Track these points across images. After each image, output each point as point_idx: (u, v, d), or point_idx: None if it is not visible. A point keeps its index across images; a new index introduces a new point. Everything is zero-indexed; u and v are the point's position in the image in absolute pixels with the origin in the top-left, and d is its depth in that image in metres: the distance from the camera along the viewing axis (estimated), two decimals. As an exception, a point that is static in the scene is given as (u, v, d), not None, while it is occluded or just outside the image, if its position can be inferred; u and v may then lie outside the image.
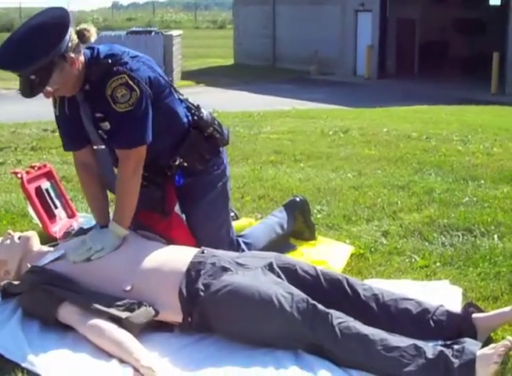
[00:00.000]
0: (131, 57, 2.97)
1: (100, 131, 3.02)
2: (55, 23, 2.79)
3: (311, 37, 25.63)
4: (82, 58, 2.92)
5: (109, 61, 2.91)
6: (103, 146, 3.11)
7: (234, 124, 8.40)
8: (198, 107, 3.30)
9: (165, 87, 3.09)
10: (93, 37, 2.93)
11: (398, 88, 19.85)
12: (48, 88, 2.83)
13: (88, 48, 2.98)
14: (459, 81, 20.85)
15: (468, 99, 15.07)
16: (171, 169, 3.19)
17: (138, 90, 2.88)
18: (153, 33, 23.58)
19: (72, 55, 2.83)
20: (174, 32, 24.86)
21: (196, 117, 3.24)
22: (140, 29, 26.56)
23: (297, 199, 3.79)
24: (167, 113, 3.11)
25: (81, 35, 2.89)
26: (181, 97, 3.27)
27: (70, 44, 2.81)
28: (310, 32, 25.75)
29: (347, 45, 24.66)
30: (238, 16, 31.30)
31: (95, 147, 3.15)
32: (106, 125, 2.97)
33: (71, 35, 2.82)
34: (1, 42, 2.85)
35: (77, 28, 2.89)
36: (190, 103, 3.30)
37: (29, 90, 2.81)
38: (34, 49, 2.73)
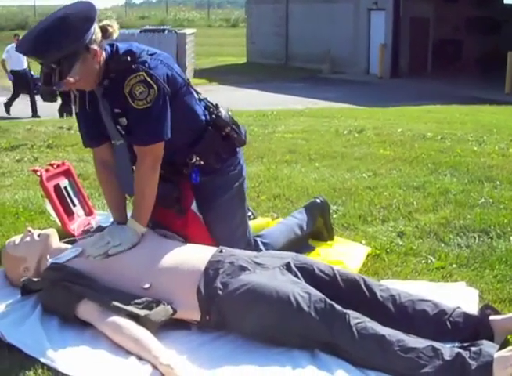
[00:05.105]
0: (149, 55, 3.00)
1: (118, 127, 3.05)
2: (81, 15, 2.84)
3: (324, 35, 25.61)
4: (104, 53, 2.96)
5: (128, 59, 2.94)
6: (122, 141, 3.13)
7: (248, 123, 8.40)
8: (216, 106, 3.31)
9: (182, 85, 3.11)
10: (115, 34, 2.99)
11: (412, 88, 19.81)
12: (70, 79, 2.86)
13: (108, 44, 3.01)
14: (472, 80, 20.78)
15: (482, 99, 14.99)
16: (187, 167, 3.20)
17: (156, 87, 2.91)
18: (166, 31, 23.60)
19: (95, 47, 2.88)
20: (188, 30, 24.89)
21: (214, 116, 3.24)
22: (153, 27, 26.58)
23: (318, 200, 3.79)
24: (185, 111, 3.12)
25: (104, 30, 2.94)
26: (199, 96, 3.28)
27: (94, 37, 2.86)
28: (323, 31, 25.73)
29: (360, 43, 24.62)
30: (251, 15, 31.32)
31: (113, 142, 3.17)
32: (124, 121, 3.00)
33: (95, 29, 2.87)
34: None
35: (101, 23, 2.94)
36: (209, 102, 3.32)
37: (50, 79, 2.85)
38: (59, 38, 2.77)
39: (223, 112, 3.28)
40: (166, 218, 3.23)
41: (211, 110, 3.27)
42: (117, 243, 2.93)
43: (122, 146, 3.15)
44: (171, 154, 3.09)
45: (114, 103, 2.98)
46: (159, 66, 2.97)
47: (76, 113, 3.21)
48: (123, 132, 3.06)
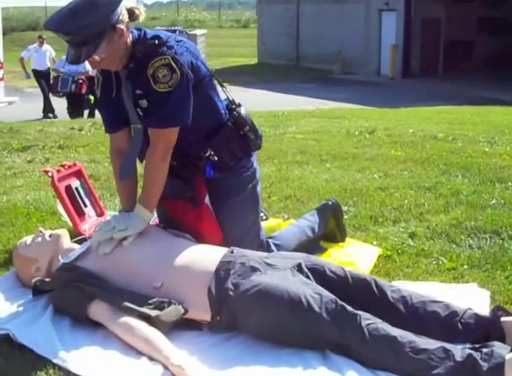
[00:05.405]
0: (177, 41, 3.04)
1: (138, 109, 3.07)
2: None
3: (335, 36, 25.60)
4: (131, 36, 3.00)
5: (156, 42, 2.98)
6: (140, 126, 3.14)
7: (259, 124, 8.30)
8: (239, 104, 3.33)
9: (206, 75, 3.13)
10: (142, 17, 3.04)
11: (423, 88, 19.76)
12: (96, 57, 2.90)
13: (135, 29, 3.06)
14: (484, 81, 20.70)
15: (493, 100, 14.92)
16: (201, 160, 3.21)
17: (179, 73, 2.93)
18: (177, 32, 23.54)
19: (122, 27, 2.92)
20: (199, 31, 24.94)
21: (235, 113, 3.26)
22: (164, 28, 26.61)
23: (330, 202, 3.78)
24: (204, 102, 3.13)
25: (131, 13, 2.99)
26: (224, 89, 3.31)
27: (120, 17, 2.90)
28: (334, 31, 25.72)
29: (372, 44, 24.58)
30: (262, 15, 31.34)
31: (133, 126, 3.19)
32: (144, 103, 3.03)
33: (122, 10, 2.92)
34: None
35: (128, 6, 2.97)
36: (232, 98, 3.34)
37: (76, 56, 2.89)
38: (87, 16, 2.81)
39: (244, 111, 3.30)
40: (179, 210, 3.26)
41: (233, 106, 3.29)
42: (123, 227, 2.95)
43: (140, 132, 3.16)
44: (186, 146, 3.11)
45: (137, 84, 3.02)
46: (184, 54, 3.00)
47: (98, 98, 3.26)
48: (141, 114, 3.08)
